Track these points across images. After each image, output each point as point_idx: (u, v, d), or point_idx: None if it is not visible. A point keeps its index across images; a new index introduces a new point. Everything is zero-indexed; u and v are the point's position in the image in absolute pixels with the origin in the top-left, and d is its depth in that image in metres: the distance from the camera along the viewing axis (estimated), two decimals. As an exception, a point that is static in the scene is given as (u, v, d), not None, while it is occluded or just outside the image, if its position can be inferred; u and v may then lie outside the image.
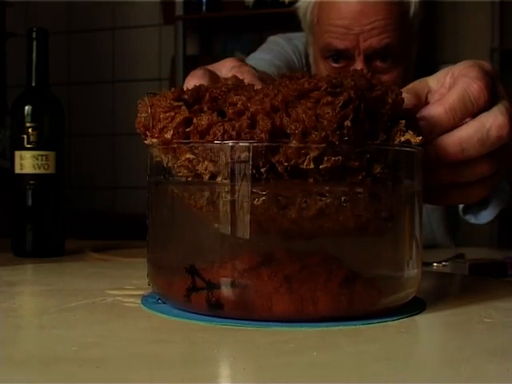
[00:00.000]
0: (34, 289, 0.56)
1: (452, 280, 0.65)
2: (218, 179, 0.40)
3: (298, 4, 1.11)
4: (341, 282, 0.40)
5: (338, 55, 1.03)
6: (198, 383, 0.29)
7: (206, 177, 0.41)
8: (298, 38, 1.23)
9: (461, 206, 1.00)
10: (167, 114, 0.42)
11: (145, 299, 0.47)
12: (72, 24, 2.92)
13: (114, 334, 0.38)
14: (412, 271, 0.44)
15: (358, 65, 1.00)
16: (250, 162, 0.39)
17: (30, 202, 0.85)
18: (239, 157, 0.39)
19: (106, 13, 2.86)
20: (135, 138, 0.54)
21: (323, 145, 0.39)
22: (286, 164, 0.39)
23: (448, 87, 0.50)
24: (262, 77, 0.55)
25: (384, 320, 0.41)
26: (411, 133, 0.42)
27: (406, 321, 0.42)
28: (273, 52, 1.23)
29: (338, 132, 0.39)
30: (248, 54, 1.33)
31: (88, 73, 2.90)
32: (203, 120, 0.40)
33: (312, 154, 0.39)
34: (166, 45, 2.76)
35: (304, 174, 0.39)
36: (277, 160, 0.39)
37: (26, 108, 0.84)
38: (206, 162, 0.40)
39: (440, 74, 0.51)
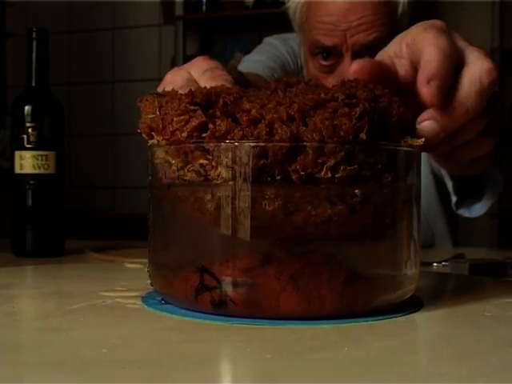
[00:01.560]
0: (27, 292, 0.55)
1: (450, 279, 0.65)
2: (230, 183, 0.40)
3: (288, 4, 1.11)
4: (344, 280, 0.41)
5: (326, 52, 1.03)
6: (249, 383, 0.29)
7: (218, 182, 0.40)
8: (294, 39, 1.23)
9: (453, 201, 0.99)
10: (181, 117, 0.41)
11: (145, 300, 0.47)
12: (72, 24, 2.92)
13: (134, 335, 0.37)
14: (410, 270, 0.44)
15: (347, 61, 1.00)
16: (266, 169, 0.39)
17: (30, 202, 0.85)
18: (256, 163, 0.39)
19: (106, 13, 2.87)
20: (135, 138, 0.54)
21: (342, 153, 0.39)
22: (302, 173, 0.39)
23: (407, 57, 0.48)
24: (245, 78, 0.53)
25: (391, 316, 0.42)
26: (411, 138, 0.43)
27: (412, 316, 0.42)
28: (267, 54, 1.23)
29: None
30: (248, 53, 1.33)
31: (88, 73, 2.90)
32: (222, 125, 0.40)
33: (329, 164, 0.39)
34: (166, 45, 2.76)
35: (316, 181, 0.40)
36: (293, 169, 0.39)
37: (26, 108, 0.84)
38: (219, 168, 0.40)
39: (395, 46, 0.49)
